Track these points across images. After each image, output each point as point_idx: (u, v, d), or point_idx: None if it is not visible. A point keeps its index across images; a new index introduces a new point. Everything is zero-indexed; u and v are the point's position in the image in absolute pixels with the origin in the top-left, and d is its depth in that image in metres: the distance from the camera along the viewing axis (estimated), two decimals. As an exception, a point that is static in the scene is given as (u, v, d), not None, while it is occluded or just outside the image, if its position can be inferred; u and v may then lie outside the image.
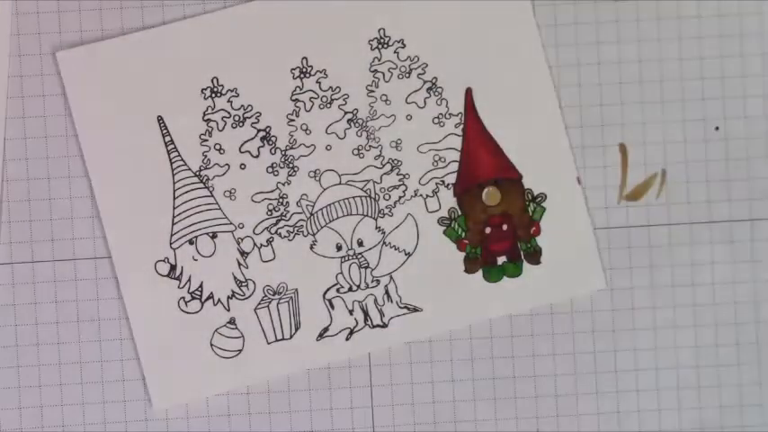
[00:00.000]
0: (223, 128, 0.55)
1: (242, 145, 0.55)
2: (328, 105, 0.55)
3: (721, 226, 0.56)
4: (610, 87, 0.55)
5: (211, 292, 0.55)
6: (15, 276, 0.55)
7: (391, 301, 0.55)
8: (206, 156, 0.55)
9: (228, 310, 0.55)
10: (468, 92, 0.55)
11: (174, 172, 0.55)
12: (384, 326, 0.55)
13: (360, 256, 0.55)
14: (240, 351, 0.55)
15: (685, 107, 0.55)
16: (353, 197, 0.55)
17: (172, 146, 0.55)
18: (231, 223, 0.55)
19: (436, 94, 0.55)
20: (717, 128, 0.55)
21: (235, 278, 0.55)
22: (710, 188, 0.56)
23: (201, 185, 0.55)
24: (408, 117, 0.55)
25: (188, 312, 0.55)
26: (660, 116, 0.55)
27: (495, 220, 0.55)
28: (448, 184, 0.55)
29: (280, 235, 0.55)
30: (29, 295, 0.55)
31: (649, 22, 0.56)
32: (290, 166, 0.55)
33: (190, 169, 0.55)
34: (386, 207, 0.55)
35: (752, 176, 0.56)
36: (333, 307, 0.55)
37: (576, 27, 0.56)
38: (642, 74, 0.55)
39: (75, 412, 0.55)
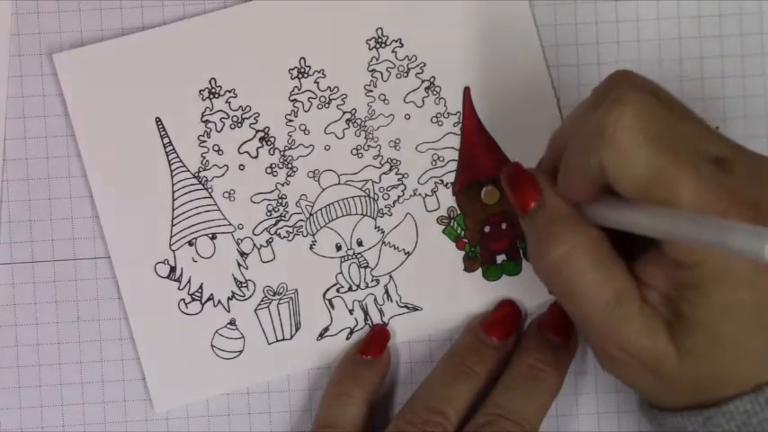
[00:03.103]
0: (221, 129, 0.55)
1: (240, 146, 0.55)
2: (327, 105, 0.55)
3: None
4: (609, 87, 0.55)
5: (211, 294, 0.55)
6: (15, 276, 0.55)
7: (391, 301, 0.55)
8: (204, 157, 0.55)
9: (229, 311, 0.55)
10: (467, 91, 0.55)
11: (173, 174, 0.55)
12: (384, 325, 0.55)
13: (359, 256, 0.55)
14: (241, 352, 0.55)
15: (685, 107, 0.55)
16: (352, 197, 0.55)
17: (170, 147, 0.55)
18: (231, 224, 0.55)
19: (434, 93, 0.55)
20: (717, 127, 0.55)
21: (235, 279, 0.55)
22: (711, 187, 0.55)
23: (200, 187, 0.55)
24: (407, 116, 0.55)
25: (188, 314, 0.55)
26: (660, 115, 0.55)
27: (495, 218, 0.55)
28: (447, 184, 0.55)
29: (279, 235, 0.55)
30: (29, 295, 0.55)
31: (650, 21, 0.55)
32: (289, 166, 0.55)
33: (188, 171, 0.55)
34: (385, 206, 0.55)
35: (752, 176, 0.55)
36: (333, 307, 0.55)
37: (576, 27, 0.55)
38: (642, 74, 0.55)
39: (76, 412, 0.55)
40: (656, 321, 0.45)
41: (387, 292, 0.55)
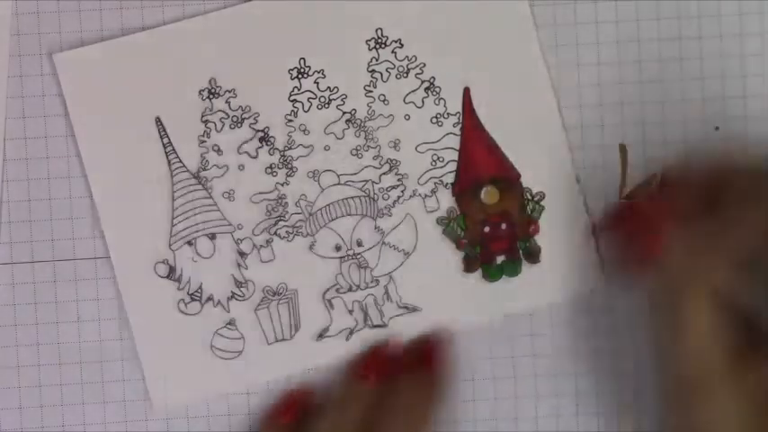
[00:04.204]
0: (221, 129, 0.55)
1: (240, 146, 0.55)
2: (326, 106, 0.55)
3: (721, 225, 0.56)
4: (610, 87, 0.55)
5: (211, 294, 0.55)
6: (15, 276, 0.55)
7: (391, 301, 0.55)
8: (204, 157, 0.55)
9: (228, 312, 0.55)
10: (467, 91, 0.55)
11: (173, 173, 0.55)
12: (384, 326, 0.55)
13: (359, 257, 0.55)
14: (240, 352, 0.55)
15: (685, 107, 0.55)
16: (352, 197, 0.55)
17: (170, 147, 0.55)
18: (230, 224, 0.55)
19: (434, 93, 0.55)
20: (717, 128, 0.55)
21: (234, 279, 0.55)
22: (710, 188, 0.56)
23: (200, 187, 0.55)
24: (406, 117, 0.55)
25: (188, 314, 0.55)
26: (660, 116, 0.55)
27: (494, 219, 0.55)
28: (446, 184, 0.55)
29: (279, 236, 0.55)
30: (29, 295, 0.55)
31: (649, 22, 0.55)
32: (289, 166, 0.55)
33: (188, 170, 0.55)
34: (384, 207, 0.55)
35: (752, 176, 0.55)
36: (332, 307, 0.55)
37: (576, 27, 0.55)
38: (642, 74, 0.55)
39: (76, 412, 0.55)
40: None
41: (386, 292, 0.55)
